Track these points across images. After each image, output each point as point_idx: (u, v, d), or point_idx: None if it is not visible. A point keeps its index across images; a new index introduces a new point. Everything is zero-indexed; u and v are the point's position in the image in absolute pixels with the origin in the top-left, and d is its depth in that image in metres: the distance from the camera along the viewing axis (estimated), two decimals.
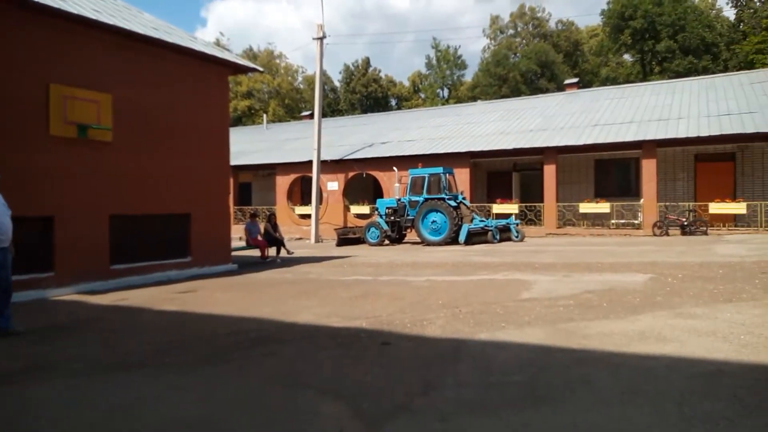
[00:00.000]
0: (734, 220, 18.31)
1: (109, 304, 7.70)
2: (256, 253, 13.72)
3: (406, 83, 56.61)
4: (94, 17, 8.91)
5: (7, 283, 5.78)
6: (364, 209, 23.56)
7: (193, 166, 10.90)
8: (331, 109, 50.77)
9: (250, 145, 29.55)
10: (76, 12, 8.61)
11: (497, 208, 20.63)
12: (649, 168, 18.20)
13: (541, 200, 20.18)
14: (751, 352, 4.22)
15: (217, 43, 46.33)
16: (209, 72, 11.45)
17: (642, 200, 18.55)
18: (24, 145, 8.22)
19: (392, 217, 17.79)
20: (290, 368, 4.39)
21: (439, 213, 16.57)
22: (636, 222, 18.90)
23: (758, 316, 5.41)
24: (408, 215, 17.40)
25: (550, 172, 19.73)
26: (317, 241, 20.78)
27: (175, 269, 10.50)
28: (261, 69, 13.98)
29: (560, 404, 3.36)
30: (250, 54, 51.93)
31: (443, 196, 16.62)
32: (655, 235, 17.06)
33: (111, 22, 9.20)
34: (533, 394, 3.54)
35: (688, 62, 36.10)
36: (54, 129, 8.59)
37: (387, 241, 17.88)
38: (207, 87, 11.43)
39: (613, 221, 19.38)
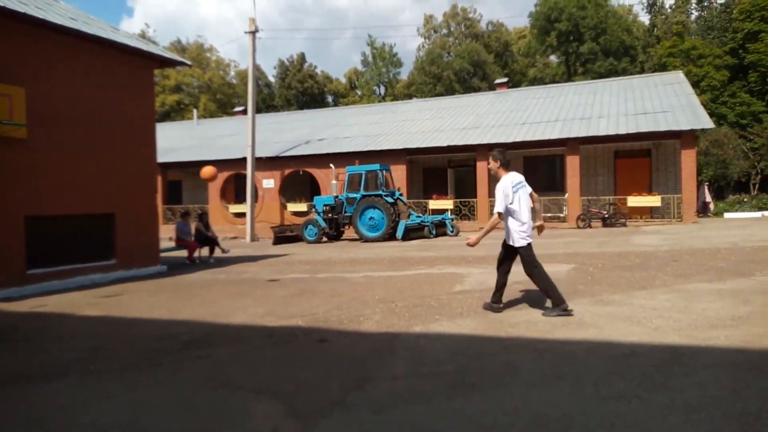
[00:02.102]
0: (650, 213, 19.67)
1: (26, 311, 7.21)
2: (186, 253, 13.26)
3: (343, 80, 56.45)
4: (1, 4, 8.27)
5: None
6: (302, 207, 23.33)
7: (116, 164, 10.38)
8: (266, 105, 49.78)
9: (179, 142, 28.47)
10: None
11: (433, 203, 21.06)
12: (573, 164, 19.17)
13: (475, 196, 20.79)
14: (661, 335, 4.57)
15: (143, 35, 44.26)
16: (133, 65, 10.93)
17: (567, 194, 19.52)
18: None
19: (330, 215, 17.74)
20: (223, 370, 4.31)
21: (376, 209, 16.70)
22: (561, 215, 19.90)
23: (668, 300, 5.86)
24: (346, 212, 17.41)
25: (482, 168, 20.35)
26: (253, 240, 20.37)
27: (99, 272, 9.97)
28: (189, 62, 13.51)
29: (488, 390, 3.51)
30: (179, 47, 49.96)
31: (380, 192, 16.76)
32: (578, 227, 18.01)
33: (21, 10, 8.58)
34: (463, 382, 3.67)
35: (608, 64, 38.27)
36: None
37: (325, 239, 17.82)
38: (131, 81, 10.91)
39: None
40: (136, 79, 11.05)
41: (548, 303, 5.59)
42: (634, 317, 5.19)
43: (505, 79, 30.14)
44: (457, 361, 4.13)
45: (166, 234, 15.88)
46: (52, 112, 9.25)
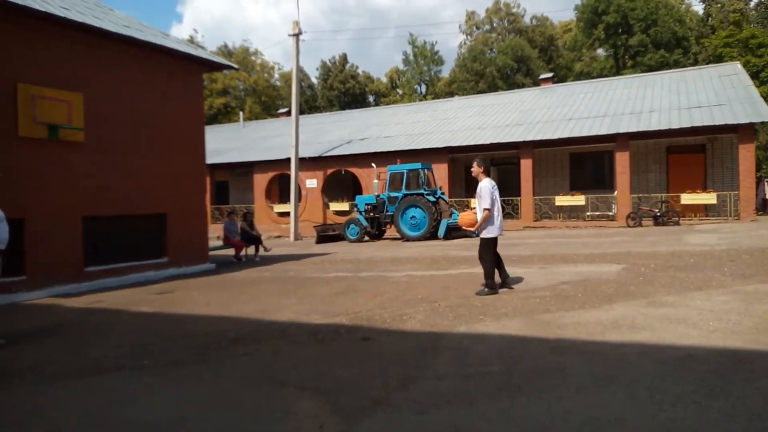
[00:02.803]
0: (705, 210, 18.78)
1: (84, 307, 7.56)
2: (233, 252, 13.59)
3: (384, 79, 56.53)
4: (62, 14, 8.70)
5: None
6: (344, 206, 23.52)
7: (168, 166, 10.75)
8: (309, 106, 50.44)
9: (226, 144, 29.23)
10: (43, 9, 8.40)
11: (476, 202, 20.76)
12: (622, 160, 18.53)
13: (518, 194, 20.41)
14: (719, 338, 4.34)
15: (191, 41, 45.64)
16: (183, 70, 11.29)
17: (616, 192, 18.89)
18: None
19: (371, 214, 17.81)
20: (268, 367, 4.38)
21: (418, 208, 16.65)
22: (610, 214, 19.26)
23: (726, 302, 5.57)
24: (387, 211, 17.44)
25: (526, 166, 19.97)
26: (297, 238, 20.69)
27: (152, 270, 10.35)
28: (236, 66, 13.84)
29: (535, 392, 3.42)
30: (225, 51, 51.27)
31: (422, 191, 16.70)
32: (628, 226, 17.40)
33: (80, 20, 9.00)
34: (509, 384, 3.59)
35: (659, 56, 36.75)
36: (23, 130, 8.39)
37: (367, 238, 17.90)
38: (181, 85, 11.27)
39: (588, 213, 19.72)
40: (186, 84, 11.41)
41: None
42: (689, 319, 4.95)
43: (550, 74, 29.43)
44: (503, 363, 4.05)
45: (214, 233, 16.32)
46: (107, 116, 9.66)
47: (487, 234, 6.81)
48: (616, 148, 18.78)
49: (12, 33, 8.33)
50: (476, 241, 15.77)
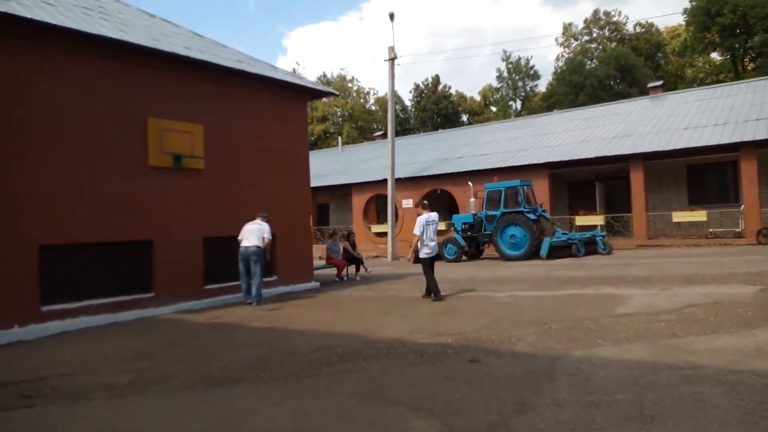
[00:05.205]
0: None
1: (205, 322, 8.09)
2: (335, 271, 13.96)
3: (477, 97, 56.14)
4: (185, 54, 9.59)
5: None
6: (440, 226, 23.39)
7: (276, 189, 11.35)
8: (402, 128, 51.22)
9: (326, 167, 30.41)
10: (170, 50, 9.31)
11: (580, 220, 19.80)
12: (749, 171, 16.79)
13: (629, 210, 19.15)
14: None
15: (294, 72, 48.35)
16: (289, 99, 11.95)
17: (743, 206, 17.10)
18: (127, 175, 8.92)
19: (469, 233, 17.55)
20: (378, 384, 4.39)
21: (517, 227, 16.16)
22: (737, 230, 17.44)
23: None
24: (485, 230, 17.10)
25: (637, 180, 18.72)
26: (394, 258, 20.86)
27: (263, 288, 10.87)
28: (336, 93, 14.46)
29: (671, 425, 3.11)
30: (324, 80, 53.72)
31: (521, 209, 16.20)
32: (759, 243, 15.64)
33: (200, 58, 9.86)
34: (641, 414, 3.30)
35: None
36: (153, 159, 9.26)
37: (464, 257, 17.63)
38: (287, 113, 11.92)
39: (710, 230, 17.99)
40: (291, 111, 12.05)
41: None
42: None
43: (659, 83, 27.57)
44: (630, 390, 3.74)
45: (316, 253, 16.92)
46: (223, 144, 10.42)
47: (425, 255, 8.82)
48: (741, 158, 17.06)
49: (143, 73, 9.29)
50: (583, 261, 15.05)
